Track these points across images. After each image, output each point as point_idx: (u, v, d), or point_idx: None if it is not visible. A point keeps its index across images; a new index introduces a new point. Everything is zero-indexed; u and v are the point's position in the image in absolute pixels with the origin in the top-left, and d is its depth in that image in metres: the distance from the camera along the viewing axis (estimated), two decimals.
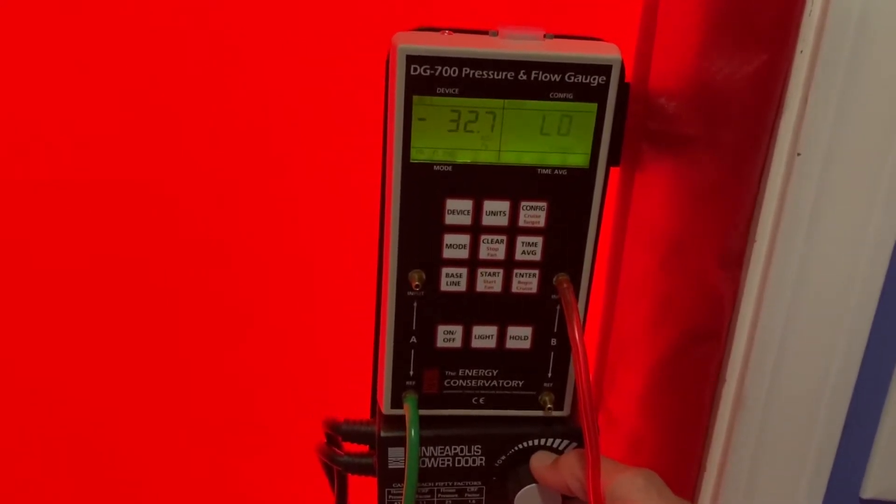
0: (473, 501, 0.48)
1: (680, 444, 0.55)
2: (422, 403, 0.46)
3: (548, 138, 0.41)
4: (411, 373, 0.46)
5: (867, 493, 0.54)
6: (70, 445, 0.75)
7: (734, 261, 0.48)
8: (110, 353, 0.70)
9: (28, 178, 0.63)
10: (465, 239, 0.43)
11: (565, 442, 0.48)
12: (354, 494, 0.52)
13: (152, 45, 0.59)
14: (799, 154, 0.46)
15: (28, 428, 0.74)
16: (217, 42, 0.59)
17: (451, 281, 0.44)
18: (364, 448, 0.50)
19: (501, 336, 0.45)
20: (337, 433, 0.50)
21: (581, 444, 0.47)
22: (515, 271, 0.44)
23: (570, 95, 0.40)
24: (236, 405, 0.72)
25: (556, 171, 0.42)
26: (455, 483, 0.48)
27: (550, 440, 0.47)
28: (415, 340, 0.45)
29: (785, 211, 0.46)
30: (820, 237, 0.47)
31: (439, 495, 0.48)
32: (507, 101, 0.41)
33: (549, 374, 0.46)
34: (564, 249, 0.44)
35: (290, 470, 0.73)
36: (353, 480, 0.52)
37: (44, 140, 0.62)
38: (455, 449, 0.47)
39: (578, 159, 0.42)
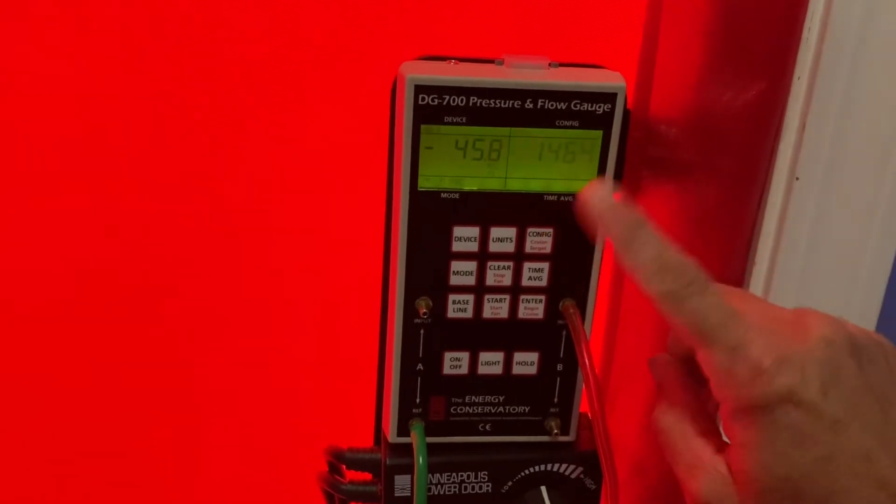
0: None
1: None
2: (428, 430, 0.46)
3: (553, 165, 0.42)
4: (418, 400, 0.46)
5: None
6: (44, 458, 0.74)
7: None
8: (95, 377, 0.69)
9: (26, 178, 0.63)
10: (471, 266, 0.43)
11: (572, 467, 0.48)
12: None
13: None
14: (797, 178, 0.47)
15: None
16: (217, 71, 0.59)
17: (458, 308, 0.44)
18: (366, 476, 0.50)
19: (508, 362, 0.46)
20: (340, 461, 0.50)
21: (588, 469, 0.48)
22: (522, 297, 0.44)
23: (575, 123, 0.41)
24: (236, 433, 0.72)
25: (561, 198, 0.42)
26: None
27: (557, 465, 0.47)
28: (421, 368, 0.45)
29: (784, 234, 0.47)
30: (818, 260, 0.48)
31: None
32: (513, 129, 0.41)
33: (556, 400, 0.47)
34: (570, 275, 0.44)
35: (291, 498, 0.72)
36: None
37: (41, 140, 0.61)
38: (461, 476, 0.47)
39: (584, 185, 0.42)
